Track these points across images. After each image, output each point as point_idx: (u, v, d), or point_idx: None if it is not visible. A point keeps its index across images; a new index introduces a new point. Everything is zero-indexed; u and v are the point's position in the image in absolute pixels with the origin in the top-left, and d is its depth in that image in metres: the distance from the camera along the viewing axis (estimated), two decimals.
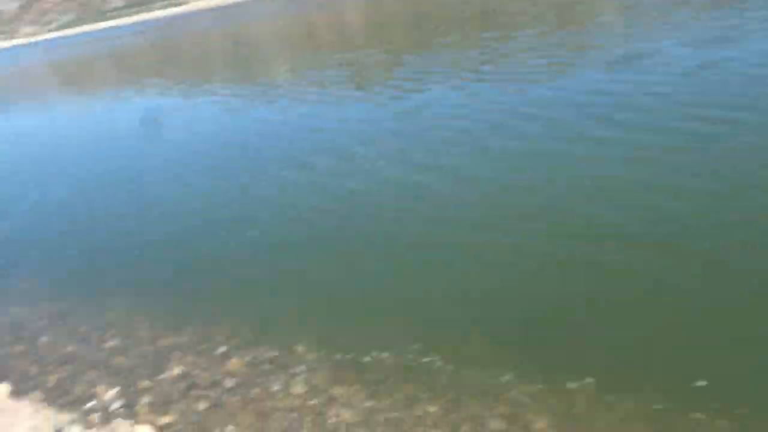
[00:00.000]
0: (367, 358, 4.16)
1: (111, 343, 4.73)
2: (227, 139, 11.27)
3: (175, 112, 15.15)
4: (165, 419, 3.73)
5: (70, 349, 4.72)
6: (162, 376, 4.20)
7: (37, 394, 4.13)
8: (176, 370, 4.26)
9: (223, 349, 4.50)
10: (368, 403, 3.72)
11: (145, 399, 3.96)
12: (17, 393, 3.98)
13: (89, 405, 3.96)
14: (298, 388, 3.94)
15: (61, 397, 4.09)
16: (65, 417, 3.81)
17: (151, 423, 3.67)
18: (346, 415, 3.63)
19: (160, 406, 3.88)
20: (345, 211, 6.64)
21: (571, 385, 3.42)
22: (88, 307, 5.39)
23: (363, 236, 6.04)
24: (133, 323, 4.99)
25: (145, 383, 4.14)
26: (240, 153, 10.05)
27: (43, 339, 4.92)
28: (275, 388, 3.97)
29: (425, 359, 4.00)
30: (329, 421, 3.58)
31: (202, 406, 3.85)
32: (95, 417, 3.81)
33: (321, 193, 7.34)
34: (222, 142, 11.03)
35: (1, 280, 6.16)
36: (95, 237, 7.26)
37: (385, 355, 4.14)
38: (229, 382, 4.06)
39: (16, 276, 6.23)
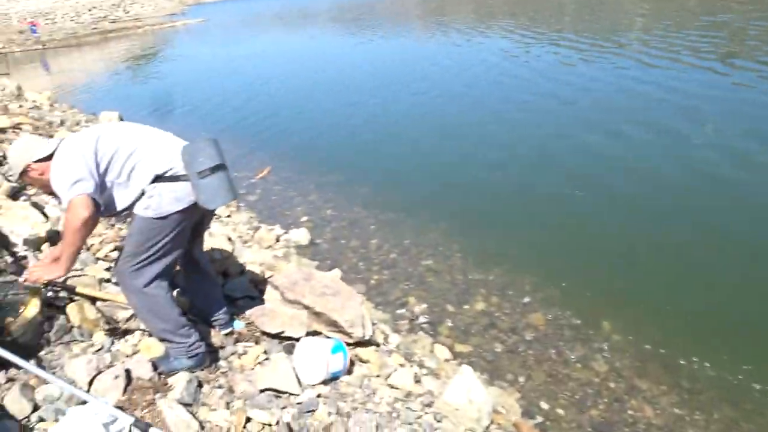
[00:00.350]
0: (683, 361, 3.93)
1: (427, 262, 5.42)
2: (551, 93, 11.13)
3: (510, 58, 15.49)
4: (462, 348, 4.20)
5: (392, 256, 5.58)
6: (466, 307, 4.68)
7: (361, 287, 5.03)
8: (479, 306, 4.68)
9: (527, 299, 4.74)
10: (677, 410, 3.52)
11: (448, 323, 4.49)
12: (346, 281, 4.88)
13: (400, 311, 4.69)
14: (598, 366, 3.94)
15: (378, 296, 4.93)
16: (379, 314, 4.60)
17: (449, 347, 4.16)
18: (648, 412, 3.50)
19: (460, 333, 4.36)
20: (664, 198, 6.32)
21: None
22: (413, 222, 6.22)
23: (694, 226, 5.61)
24: (449, 250, 5.60)
25: (450, 308, 4.67)
26: (561, 111, 9.94)
27: (373, 241, 5.91)
28: (573, 357, 4.05)
29: (757, 385, 3.57)
30: (627, 411, 3.52)
31: (498, 347, 4.19)
32: (403, 324, 4.50)
33: (634, 169, 7.05)
34: (545, 97, 10.97)
35: (350, 185, 7.51)
36: (436, 161, 8.20)
37: (706, 365, 3.83)
38: (528, 334, 4.30)
39: (361, 181, 7.51)
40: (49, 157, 2.76)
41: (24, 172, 2.81)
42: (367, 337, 3.79)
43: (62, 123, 9.80)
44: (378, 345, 3.99)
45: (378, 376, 3.65)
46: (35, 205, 4.84)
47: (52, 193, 2.84)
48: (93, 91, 17.16)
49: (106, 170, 2.75)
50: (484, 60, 15.64)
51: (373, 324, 4.09)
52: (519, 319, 4.48)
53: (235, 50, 25.95)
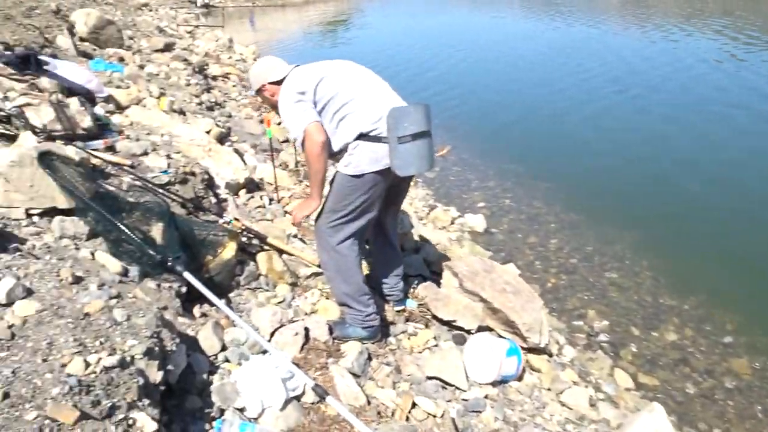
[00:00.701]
0: None
1: (611, 275, 4.96)
2: (756, 109, 9.61)
3: (710, 62, 13.60)
4: (647, 379, 3.76)
5: (572, 261, 5.19)
6: (654, 334, 4.20)
7: (535, 287, 4.73)
8: (670, 336, 4.17)
9: (728, 339, 4.15)
10: None
11: (632, 347, 4.06)
12: (526, 278, 4.60)
13: (577, 323, 4.34)
14: None
15: (554, 302, 4.60)
16: (553, 321, 4.28)
17: (632, 375, 3.75)
18: None
19: (645, 363, 3.91)
20: None
21: None
22: (598, 228, 5.74)
23: None
24: (637, 265, 5.08)
25: (635, 332, 4.22)
26: None
27: (552, 241, 5.55)
28: None
29: None
30: None
31: (690, 388, 3.69)
32: (580, 338, 4.16)
33: None
34: (747, 111, 9.50)
35: (532, 177, 7.14)
36: (628, 166, 7.48)
37: None
38: (728, 381, 3.74)
39: (544, 175, 7.11)
40: (280, 82, 2.94)
41: (259, 90, 3.06)
42: (542, 345, 3.53)
43: None
44: (551, 355, 3.72)
45: (549, 389, 3.39)
46: (236, 151, 5.17)
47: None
48: (289, 50, 18.25)
49: (320, 112, 2.83)
50: (679, 60, 14.03)
51: (550, 330, 3.82)
52: (718, 361, 3.92)
53: (422, 23, 26.16)
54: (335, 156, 2.92)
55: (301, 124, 2.74)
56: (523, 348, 3.44)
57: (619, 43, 18.02)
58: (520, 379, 3.33)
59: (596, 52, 16.22)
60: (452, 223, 5.75)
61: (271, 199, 4.63)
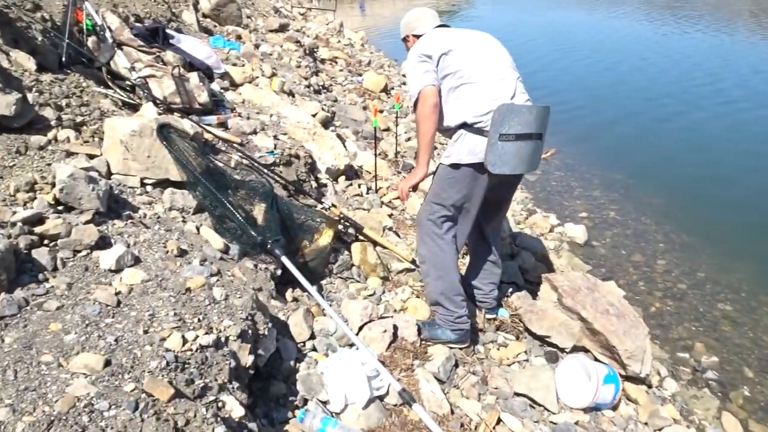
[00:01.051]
0: None
1: (724, 307, 4.53)
2: None
3: None
4: (758, 428, 3.38)
5: (681, 286, 4.80)
6: None
7: (636, 310, 4.41)
8: None
9: None
10: None
11: (744, 390, 3.67)
12: (627, 299, 4.29)
13: (681, 355, 4.00)
14: None
15: (657, 328, 4.27)
16: (654, 349, 3.96)
17: (742, 421, 3.40)
18: None
19: (758, 410, 3.53)
20: None
21: None
22: (713, 254, 5.30)
23: None
24: (755, 300, 4.60)
25: (749, 373, 3.83)
26: None
27: (660, 262, 5.17)
28: None
29: None
30: None
31: None
32: (684, 372, 3.83)
33: None
34: None
35: (641, 190, 6.71)
36: (754, 189, 6.79)
37: None
38: None
39: (655, 189, 6.66)
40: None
41: (404, 39, 3.19)
42: (643, 375, 3.28)
43: (369, 63, 10.52)
44: (650, 386, 3.44)
45: (646, 423, 3.14)
46: (339, 137, 5.17)
47: None
48: (395, 37, 18.22)
49: (439, 80, 2.79)
50: None
51: (656, 367, 3.55)
52: None
53: (531, 19, 25.31)
54: (442, 132, 2.88)
55: (419, 83, 2.72)
56: (620, 375, 3.20)
57: (752, 53, 16.59)
58: (614, 408, 3.11)
59: (723, 61, 15.01)
60: (551, 230, 5.49)
61: (368, 188, 4.60)
